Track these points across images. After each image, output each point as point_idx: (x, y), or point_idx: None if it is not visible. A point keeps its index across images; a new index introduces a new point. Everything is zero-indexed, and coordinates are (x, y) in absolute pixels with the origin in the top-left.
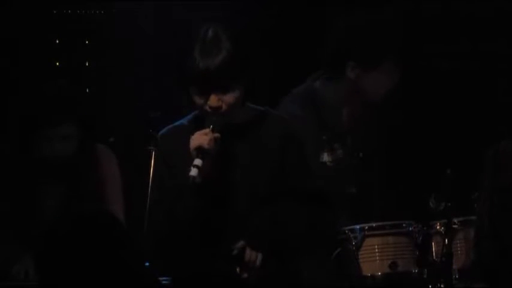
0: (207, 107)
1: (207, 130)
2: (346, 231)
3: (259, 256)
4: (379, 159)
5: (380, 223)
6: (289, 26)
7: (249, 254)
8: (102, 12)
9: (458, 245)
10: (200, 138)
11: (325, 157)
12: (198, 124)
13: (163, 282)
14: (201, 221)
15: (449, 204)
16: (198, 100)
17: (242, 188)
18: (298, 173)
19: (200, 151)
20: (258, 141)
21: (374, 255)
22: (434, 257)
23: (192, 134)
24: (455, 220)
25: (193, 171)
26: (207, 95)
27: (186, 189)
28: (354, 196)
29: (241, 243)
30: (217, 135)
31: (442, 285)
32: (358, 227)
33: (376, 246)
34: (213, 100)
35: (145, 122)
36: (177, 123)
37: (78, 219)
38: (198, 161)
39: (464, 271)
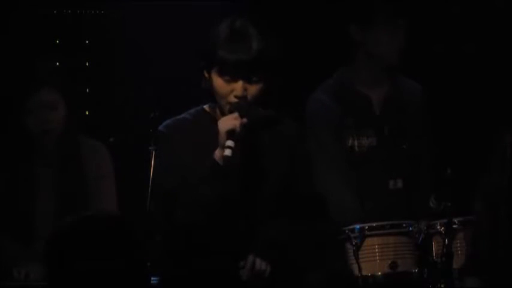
0: (231, 97)
1: (235, 115)
2: (346, 231)
3: (268, 267)
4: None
5: (380, 223)
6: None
7: (259, 264)
8: (102, 12)
9: (459, 245)
10: (232, 121)
11: (351, 142)
12: (202, 119)
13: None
14: (222, 205)
15: (449, 204)
16: (224, 88)
17: (256, 177)
18: (302, 179)
19: (232, 133)
20: (268, 143)
21: (374, 255)
22: (434, 257)
23: (197, 129)
24: (455, 220)
25: (228, 152)
26: (234, 83)
27: (208, 173)
28: (401, 190)
29: (250, 257)
30: (245, 120)
31: (442, 285)
32: (358, 226)
33: (376, 246)
34: (240, 89)
35: (146, 122)
36: (179, 116)
37: (89, 221)
38: (230, 142)
39: (463, 270)
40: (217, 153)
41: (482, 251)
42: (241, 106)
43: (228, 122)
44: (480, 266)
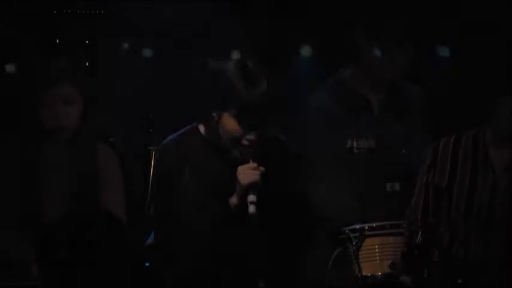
0: (243, 140)
1: (254, 165)
2: (347, 231)
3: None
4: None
5: (380, 223)
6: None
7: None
8: (102, 12)
9: None
10: (252, 174)
11: (350, 143)
12: (197, 142)
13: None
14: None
15: None
16: (238, 132)
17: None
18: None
19: (253, 186)
20: (273, 170)
21: (374, 255)
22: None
23: (192, 148)
24: None
25: (252, 208)
26: (248, 127)
27: (223, 221)
28: (397, 193)
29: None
30: (262, 168)
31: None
32: (358, 227)
33: (376, 246)
34: (255, 134)
35: (146, 122)
36: (174, 137)
37: (77, 218)
38: (253, 197)
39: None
40: (234, 201)
41: (415, 249)
42: (256, 151)
43: (249, 174)
44: (412, 264)
